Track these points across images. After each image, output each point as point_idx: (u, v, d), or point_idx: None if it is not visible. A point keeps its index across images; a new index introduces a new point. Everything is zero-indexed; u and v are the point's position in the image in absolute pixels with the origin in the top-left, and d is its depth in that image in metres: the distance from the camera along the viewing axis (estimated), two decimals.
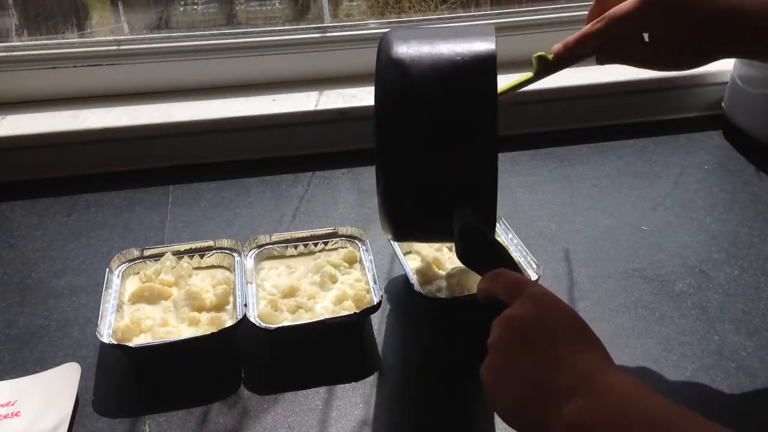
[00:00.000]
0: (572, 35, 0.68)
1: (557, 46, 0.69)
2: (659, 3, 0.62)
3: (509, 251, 0.80)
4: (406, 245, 0.82)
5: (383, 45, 0.65)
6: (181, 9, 1.27)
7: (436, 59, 0.63)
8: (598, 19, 0.66)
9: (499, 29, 1.20)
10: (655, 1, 0.62)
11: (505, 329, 0.53)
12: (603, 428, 0.46)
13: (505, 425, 0.52)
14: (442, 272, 0.79)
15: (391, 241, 0.82)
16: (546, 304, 0.54)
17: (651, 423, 0.45)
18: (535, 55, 0.72)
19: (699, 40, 0.64)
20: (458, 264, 0.75)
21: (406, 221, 0.68)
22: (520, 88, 0.73)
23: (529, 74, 0.73)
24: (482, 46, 0.63)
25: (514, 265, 0.62)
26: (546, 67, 0.72)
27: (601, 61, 0.70)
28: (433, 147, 0.63)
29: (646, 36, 0.68)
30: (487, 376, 0.53)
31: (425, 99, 0.62)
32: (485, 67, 0.62)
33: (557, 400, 0.48)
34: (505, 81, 0.70)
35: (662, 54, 0.67)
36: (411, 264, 0.79)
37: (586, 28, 0.68)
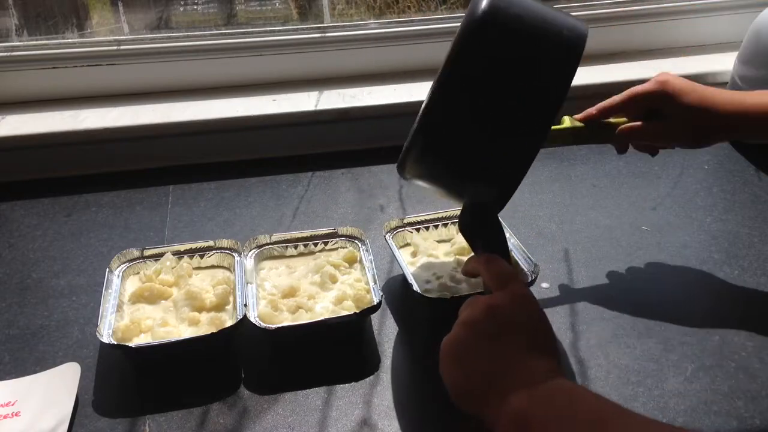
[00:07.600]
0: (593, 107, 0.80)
1: (579, 116, 0.79)
2: (666, 88, 0.75)
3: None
4: (403, 242, 0.83)
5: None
6: (181, 9, 1.27)
7: (540, 26, 0.63)
8: (620, 95, 0.79)
9: None
10: (664, 87, 0.75)
11: (482, 312, 0.57)
12: (548, 421, 0.50)
13: None
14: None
15: (390, 242, 0.82)
16: (525, 304, 0.58)
17: (595, 418, 0.49)
18: (566, 119, 0.78)
19: (693, 123, 0.76)
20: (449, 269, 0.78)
21: (431, 163, 0.67)
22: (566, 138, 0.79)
23: (579, 125, 0.79)
24: (581, 28, 0.65)
25: (507, 253, 0.67)
26: (577, 137, 0.79)
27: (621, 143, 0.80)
28: (495, 116, 0.63)
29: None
30: (448, 348, 0.57)
31: (514, 66, 0.62)
32: (579, 49, 0.64)
33: (508, 389, 0.52)
34: None
35: (671, 132, 0.77)
36: (406, 258, 0.80)
37: (608, 100, 0.79)
